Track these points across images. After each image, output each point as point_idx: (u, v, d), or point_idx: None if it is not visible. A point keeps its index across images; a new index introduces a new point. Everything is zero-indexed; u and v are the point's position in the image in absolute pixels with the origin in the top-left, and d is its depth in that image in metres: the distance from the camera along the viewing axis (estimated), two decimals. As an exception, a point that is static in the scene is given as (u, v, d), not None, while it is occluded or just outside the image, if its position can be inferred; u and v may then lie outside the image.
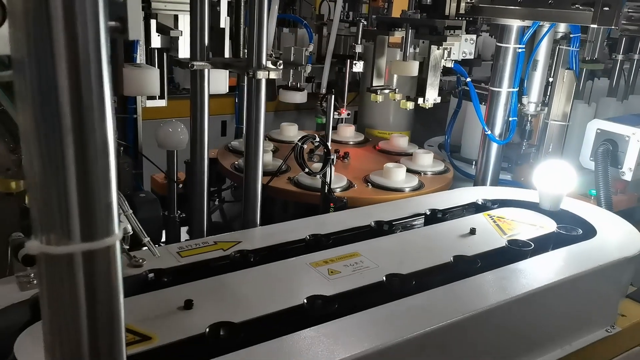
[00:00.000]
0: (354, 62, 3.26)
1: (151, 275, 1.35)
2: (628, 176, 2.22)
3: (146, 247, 1.42)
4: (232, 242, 1.57)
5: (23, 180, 1.28)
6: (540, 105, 2.58)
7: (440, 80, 2.22)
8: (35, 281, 1.29)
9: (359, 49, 3.25)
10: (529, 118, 2.63)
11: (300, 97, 3.06)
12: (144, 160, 2.59)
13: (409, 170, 2.41)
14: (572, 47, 2.50)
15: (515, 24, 2.19)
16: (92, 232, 0.64)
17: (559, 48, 2.55)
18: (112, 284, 0.68)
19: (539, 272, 1.49)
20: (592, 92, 3.35)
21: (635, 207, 2.97)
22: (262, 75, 1.70)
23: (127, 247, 1.43)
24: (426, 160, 2.55)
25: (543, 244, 1.69)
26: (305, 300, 1.27)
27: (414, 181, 2.33)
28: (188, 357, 1.11)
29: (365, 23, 3.29)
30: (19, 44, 0.58)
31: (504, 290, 1.37)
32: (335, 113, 3.45)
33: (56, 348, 0.69)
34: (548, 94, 2.61)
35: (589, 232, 1.77)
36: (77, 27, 0.58)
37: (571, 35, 2.50)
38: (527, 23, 2.20)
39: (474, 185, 2.48)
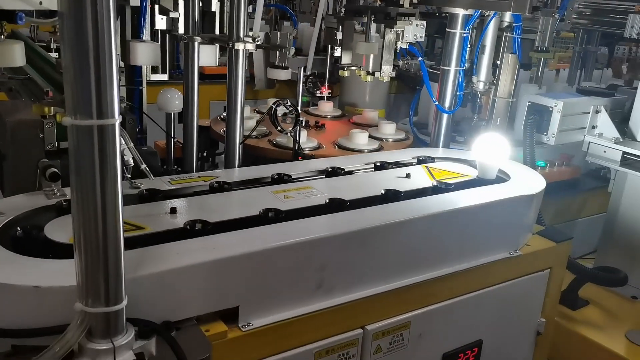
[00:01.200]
0: (335, 47, 3.70)
1: (146, 193, 1.77)
2: (552, 141, 2.62)
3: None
4: (213, 177, 1.98)
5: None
6: (488, 84, 2.98)
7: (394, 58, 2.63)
8: (58, 193, 1.71)
9: (339, 35, 3.68)
10: (480, 95, 3.03)
11: (284, 75, 3.48)
12: (147, 132, 3.03)
13: (372, 137, 2.82)
14: (515, 34, 2.90)
15: (460, 12, 2.59)
16: (103, 113, 1.06)
17: (505, 35, 2.95)
18: (113, 154, 1.09)
19: (454, 201, 1.89)
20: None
21: (578, 177, 3.38)
22: (239, 46, 2.12)
23: (129, 175, 1.86)
24: (388, 129, 2.97)
25: (464, 186, 2.09)
26: (260, 211, 1.69)
27: (375, 144, 2.74)
28: (171, 240, 1.52)
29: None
30: (62, 2, 1.00)
31: (423, 209, 1.78)
32: (317, 92, 3.89)
33: (82, 203, 1.09)
34: (496, 74, 3.01)
35: (504, 179, 2.18)
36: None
37: (514, 24, 2.90)
38: (469, 12, 2.60)
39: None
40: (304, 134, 2.55)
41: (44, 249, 1.41)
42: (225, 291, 1.45)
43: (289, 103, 2.40)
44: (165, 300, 1.36)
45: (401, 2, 2.61)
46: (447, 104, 2.76)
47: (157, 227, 1.56)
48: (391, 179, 2.09)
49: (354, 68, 2.71)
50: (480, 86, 2.97)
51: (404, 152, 2.55)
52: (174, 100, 2.49)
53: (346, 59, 2.76)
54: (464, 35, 2.67)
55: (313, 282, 1.59)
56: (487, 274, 1.95)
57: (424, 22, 2.59)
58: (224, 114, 3.15)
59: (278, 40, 3.18)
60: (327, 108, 3.46)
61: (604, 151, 2.71)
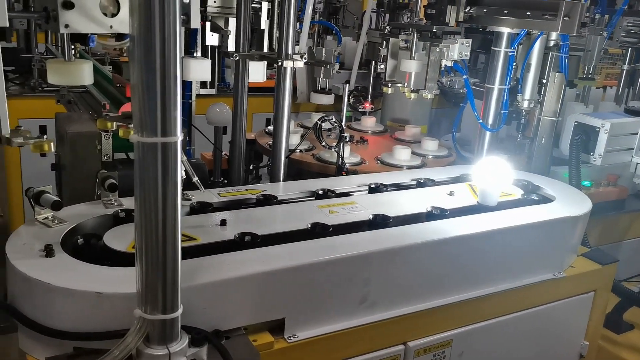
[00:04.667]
0: (379, 63, 3.74)
1: (197, 205, 1.84)
2: (598, 162, 2.59)
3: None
4: (260, 190, 2.04)
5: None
6: (533, 102, 2.96)
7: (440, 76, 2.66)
8: (115, 203, 1.79)
9: (383, 52, 3.72)
10: (524, 113, 3.02)
11: (327, 100, 3.54)
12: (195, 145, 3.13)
13: (415, 153, 2.85)
14: (562, 53, 2.88)
15: (505, 31, 2.60)
16: (167, 131, 1.12)
17: (551, 54, 2.94)
18: (174, 169, 1.16)
19: (498, 220, 1.90)
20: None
21: (625, 199, 3.32)
22: (287, 64, 2.18)
23: (181, 187, 1.93)
24: (431, 145, 2.99)
25: (509, 205, 2.09)
26: (308, 225, 1.73)
27: (417, 161, 2.76)
28: (222, 251, 1.57)
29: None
30: (134, 26, 1.07)
31: (467, 227, 1.80)
32: (360, 107, 3.93)
33: (144, 214, 1.16)
34: (542, 93, 2.99)
35: (549, 199, 2.17)
36: (165, 17, 1.06)
37: (561, 43, 2.89)
38: (515, 30, 2.61)
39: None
40: (347, 149, 2.59)
41: (104, 257, 1.49)
42: (273, 303, 1.50)
43: (333, 119, 2.45)
44: (216, 309, 1.41)
45: (447, 20, 2.64)
46: (490, 121, 2.77)
47: (209, 239, 1.62)
48: (435, 197, 2.10)
49: (399, 85, 2.74)
50: (525, 104, 2.96)
51: (447, 169, 2.56)
52: (223, 114, 2.57)
53: (390, 76, 2.79)
54: (510, 53, 2.68)
55: (357, 297, 1.63)
56: (531, 295, 1.94)
57: (470, 41, 2.61)
58: (269, 127, 3.23)
59: (323, 56, 3.26)
60: (369, 123, 3.49)
61: (653, 173, 2.68)
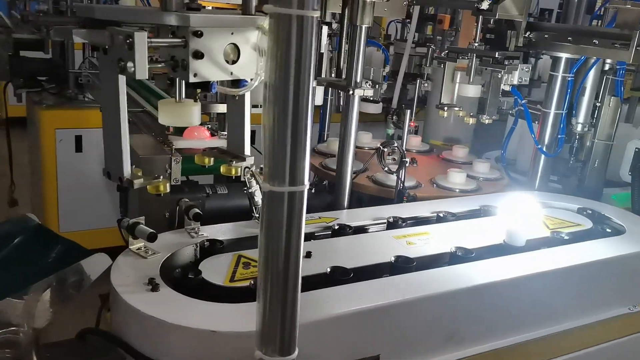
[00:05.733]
0: (424, 82, 3.76)
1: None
2: (660, 189, 2.59)
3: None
4: (332, 217, 2.06)
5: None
6: (587, 125, 2.97)
7: (499, 100, 2.66)
8: (200, 233, 1.81)
9: (428, 70, 3.74)
10: (577, 136, 3.02)
11: (374, 108, 3.56)
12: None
13: (468, 176, 2.85)
14: (618, 77, 2.89)
15: (564, 56, 2.61)
16: (294, 181, 1.14)
17: (606, 77, 2.94)
18: (300, 216, 1.17)
19: (578, 255, 1.90)
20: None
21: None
22: (358, 92, 2.20)
23: (257, 215, 1.95)
24: (483, 168, 3.00)
25: (580, 238, 2.09)
26: (393, 258, 1.74)
27: (473, 184, 2.77)
28: (314, 285, 1.58)
29: (434, 48, 3.77)
30: (270, 73, 1.09)
31: (543, 263, 1.80)
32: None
33: (268, 257, 1.17)
34: (595, 116, 2.99)
35: (620, 230, 2.17)
36: (301, 66, 1.07)
37: (617, 67, 2.89)
38: (575, 56, 2.62)
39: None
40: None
41: (202, 290, 1.50)
42: (371, 340, 1.51)
43: (395, 145, 2.46)
44: (317, 347, 1.42)
45: (507, 45, 2.64)
46: (546, 145, 2.77)
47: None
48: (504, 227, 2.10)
49: (456, 109, 2.75)
50: (579, 128, 2.97)
51: (508, 195, 2.56)
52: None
53: (446, 99, 2.80)
54: (568, 79, 2.68)
55: (445, 333, 1.64)
56: (607, 329, 1.94)
57: (530, 66, 2.62)
58: (319, 145, 3.24)
59: (371, 76, 3.27)
60: (415, 143, 3.50)
61: None
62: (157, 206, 2.11)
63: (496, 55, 2.49)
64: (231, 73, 1.24)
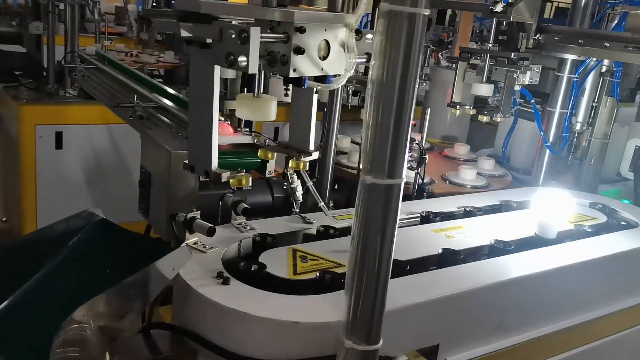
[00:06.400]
0: (422, 81, 3.84)
1: (323, 228, 1.88)
2: (660, 185, 2.74)
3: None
4: (368, 212, 2.09)
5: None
6: (585, 124, 3.10)
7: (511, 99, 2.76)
8: (247, 227, 1.82)
9: (426, 70, 3.82)
10: (576, 135, 3.15)
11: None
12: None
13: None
14: (615, 78, 3.03)
15: (572, 57, 2.72)
16: (393, 174, 1.18)
17: (603, 78, 3.08)
18: (397, 209, 1.21)
19: (603, 246, 2.00)
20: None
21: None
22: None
23: (297, 210, 1.97)
24: (488, 165, 3.10)
25: (601, 230, 2.19)
26: (440, 250, 1.80)
27: (483, 181, 2.86)
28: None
29: (432, 48, 3.87)
30: (376, 69, 1.12)
31: (579, 254, 1.89)
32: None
33: (363, 249, 1.21)
34: (591, 115, 3.14)
35: (632, 223, 2.29)
36: (410, 63, 1.11)
37: (614, 69, 3.04)
38: (582, 57, 2.74)
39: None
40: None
41: (268, 283, 1.52)
42: (434, 329, 1.56)
43: (416, 141, 2.52)
44: (387, 336, 1.46)
45: (518, 47, 2.74)
46: (550, 143, 2.89)
47: (356, 265, 1.67)
48: (529, 221, 2.19)
49: (467, 107, 2.83)
50: (578, 126, 3.10)
51: (523, 190, 2.66)
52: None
53: (457, 98, 2.88)
54: (574, 79, 2.80)
55: (495, 322, 1.70)
56: (633, 314, 2.05)
57: (540, 67, 2.72)
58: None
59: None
60: (417, 140, 3.56)
61: None
62: (185, 202, 2.10)
63: (512, 56, 2.58)
64: (322, 69, 1.27)
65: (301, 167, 1.47)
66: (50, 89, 4.63)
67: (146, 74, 3.98)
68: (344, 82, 1.34)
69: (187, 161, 1.50)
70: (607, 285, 1.97)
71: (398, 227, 2.01)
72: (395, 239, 1.24)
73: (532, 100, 2.82)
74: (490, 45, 2.69)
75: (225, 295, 1.39)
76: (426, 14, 1.08)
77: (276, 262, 1.62)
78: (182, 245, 1.64)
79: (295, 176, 1.93)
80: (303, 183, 1.95)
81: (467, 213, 2.24)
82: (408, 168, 2.55)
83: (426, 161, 2.54)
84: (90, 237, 1.42)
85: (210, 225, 1.61)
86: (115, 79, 3.34)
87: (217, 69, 1.26)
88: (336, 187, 2.63)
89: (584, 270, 1.88)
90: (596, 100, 3.12)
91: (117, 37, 6.20)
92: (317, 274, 1.56)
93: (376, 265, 1.22)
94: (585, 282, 1.89)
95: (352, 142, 3.41)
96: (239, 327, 1.36)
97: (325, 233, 1.88)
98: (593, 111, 3.14)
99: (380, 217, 1.19)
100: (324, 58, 1.27)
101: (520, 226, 2.10)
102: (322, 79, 1.30)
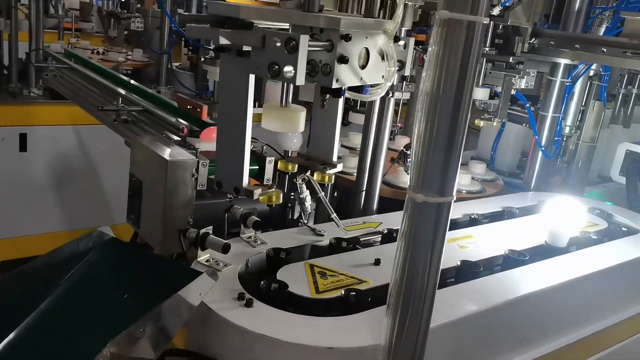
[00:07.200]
0: (407, 84, 3.78)
1: (335, 241, 1.80)
2: (651, 189, 2.77)
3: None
4: (376, 222, 2.03)
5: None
6: (574, 128, 3.12)
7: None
8: (258, 241, 1.72)
9: (412, 72, 3.77)
10: (564, 138, 3.16)
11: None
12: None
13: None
14: (602, 83, 3.06)
15: (566, 62, 2.72)
16: (443, 191, 1.11)
17: (590, 83, 3.10)
18: (445, 228, 1.14)
19: (617, 253, 1.99)
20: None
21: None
22: (397, 95, 2.18)
23: (306, 221, 1.89)
24: (480, 169, 3.07)
25: (606, 237, 2.18)
26: (458, 262, 1.74)
27: (477, 185, 2.83)
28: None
29: (420, 50, 3.82)
30: (431, 80, 1.05)
31: (588, 264, 1.87)
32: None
33: (409, 269, 1.14)
34: (578, 119, 3.15)
35: (632, 228, 2.30)
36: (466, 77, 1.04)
37: (602, 73, 3.06)
38: (575, 62, 2.74)
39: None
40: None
41: (293, 303, 1.43)
42: (462, 347, 1.50)
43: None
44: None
45: (514, 51, 2.72)
46: (542, 147, 2.88)
47: (377, 281, 1.59)
48: (536, 228, 2.16)
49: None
50: (567, 130, 3.11)
51: (520, 196, 2.64)
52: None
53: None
54: (567, 84, 2.80)
55: (518, 336, 1.66)
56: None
57: (536, 71, 2.71)
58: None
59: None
60: (403, 142, 3.52)
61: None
62: (183, 212, 1.99)
63: (510, 60, 2.56)
64: (361, 78, 1.19)
65: (326, 180, 1.39)
66: (13, 88, 4.41)
67: (122, 73, 3.82)
68: (384, 93, 1.26)
69: (213, 177, 1.39)
70: (620, 292, 1.96)
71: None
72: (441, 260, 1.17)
73: (528, 104, 2.80)
74: (487, 49, 2.66)
75: (251, 320, 1.30)
76: (485, 22, 1.02)
77: (296, 279, 1.53)
78: (193, 262, 1.53)
79: (304, 186, 1.84)
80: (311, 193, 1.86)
81: (473, 221, 2.20)
82: (406, 172, 2.49)
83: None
84: (101, 257, 1.30)
85: (226, 242, 1.51)
86: (91, 80, 3.17)
87: (252, 79, 1.17)
88: (335, 194, 2.57)
89: (599, 279, 1.86)
90: (583, 104, 3.14)
91: (80, 33, 5.97)
92: (342, 292, 1.48)
93: (424, 286, 1.15)
94: (601, 290, 1.87)
95: (343, 146, 3.34)
96: (267, 353, 1.27)
97: (338, 246, 1.80)
98: (580, 115, 3.16)
99: (430, 236, 1.13)
100: (363, 67, 1.18)
101: (528, 234, 2.07)
102: (358, 88, 1.22)
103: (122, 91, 2.94)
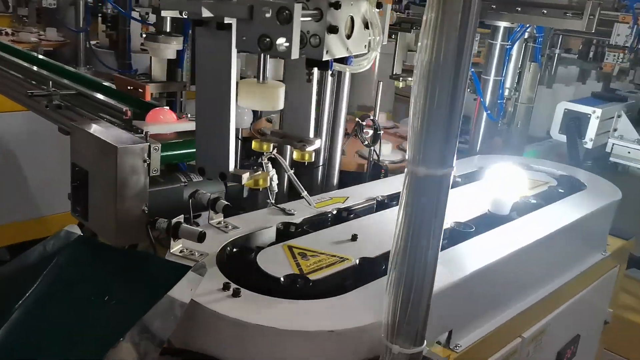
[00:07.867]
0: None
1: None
2: (589, 145, 2.89)
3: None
4: (342, 197, 1.98)
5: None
6: (513, 90, 3.19)
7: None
8: (229, 226, 1.64)
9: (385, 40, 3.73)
10: (504, 100, 3.23)
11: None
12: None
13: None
14: (537, 44, 3.14)
15: (506, 25, 2.76)
16: (444, 163, 1.08)
17: (526, 44, 3.17)
18: (446, 199, 1.12)
19: (572, 210, 2.05)
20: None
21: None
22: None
23: (272, 201, 1.82)
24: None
25: (556, 196, 2.25)
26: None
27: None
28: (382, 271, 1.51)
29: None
30: (429, 49, 1.01)
31: (540, 229, 1.90)
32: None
33: (410, 245, 1.11)
34: (517, 81, 3.23)
35: (580, 186, 2.38)
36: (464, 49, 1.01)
37: (536, 35, 3.14)
38: (515, 25, 2.78)
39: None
40: (389, 147, 2.60)
41: (283, 289, 1.37)
42: (449, 315, 1.50)
43: (371, 118, 2.44)
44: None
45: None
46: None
47: (358, 257, 1.55)
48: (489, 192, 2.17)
49: (409, 79, 2.79)
50: (506, 92, 3.18)
51: (468, 160, 2.67)
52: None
53: (398, 69, 2.83)
54: (507, 47, 2.85)
55: (493, 299, 1.69)
56: (588, 277, 2.13)
57: (479, 35, 2.74)
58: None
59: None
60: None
61: (629, 152, 3.04)
62: (136, 201, 1.87)
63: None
64: (347, 49, 1.12)
65: (306, 158, 1.33)
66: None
67: (41, 54, 3.54)
68: (370, 64, 1.20)
69: (194, 163, 1.30)
70: (568, 252, 2.03)
71: (383, 209, 1.96)
72: (442, 230, 1.14)
73: (472, 70, 2.83)
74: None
75: (243, 310, 1.24)
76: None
77: (277, 263, 1.47)
78: (167, 254, 1.44)
79: (270, 165, 1.77)
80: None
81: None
82: (366, 146, 2.47)
83: (381, 137, 2.47)
84: (71, 259, 1.18)
85: (201, 230, 1.43)
86: (11, 64, 2.92)
87: (235, 53, 1.07)
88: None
89: (544, 244, 1.84)
90: (520, 66, 3.22)
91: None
92: (329, 272, 1.43)
93: (426, 262, 1.12)
94: (547, 255, 1.89)
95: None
96: (264, 343, 1.21)
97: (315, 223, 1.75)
98: (518, 77, 3.24)
99: (431, 210, 1.10)
100: (349, 37, 1.12)
101: (471, 203, 2.05)
102: (343, 60, 1.15)
103: (49, 74, 2.72)
